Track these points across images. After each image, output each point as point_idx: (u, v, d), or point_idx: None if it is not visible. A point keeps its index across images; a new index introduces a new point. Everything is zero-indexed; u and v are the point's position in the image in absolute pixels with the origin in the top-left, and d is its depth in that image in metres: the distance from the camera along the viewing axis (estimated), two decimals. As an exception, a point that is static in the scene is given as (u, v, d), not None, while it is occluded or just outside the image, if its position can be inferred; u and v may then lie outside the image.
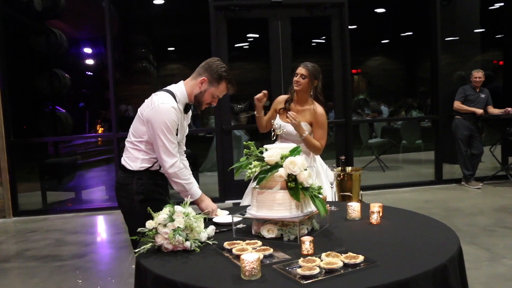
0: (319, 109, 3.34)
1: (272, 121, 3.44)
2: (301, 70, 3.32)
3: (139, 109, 2.47)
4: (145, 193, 2.44)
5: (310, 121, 3.34)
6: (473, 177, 6.58)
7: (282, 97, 3.55)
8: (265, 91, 3.30)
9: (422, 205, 5.66)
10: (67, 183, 7.49)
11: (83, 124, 10.06)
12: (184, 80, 2.52)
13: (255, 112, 3.46)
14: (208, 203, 2.49)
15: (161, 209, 1.95)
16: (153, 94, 2.47)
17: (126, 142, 2.52)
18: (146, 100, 2.48)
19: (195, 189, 2.47)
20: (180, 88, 2.46)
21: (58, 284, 3.76)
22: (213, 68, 2.42)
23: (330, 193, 2.87)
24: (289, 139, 3.31)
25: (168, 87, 2.49)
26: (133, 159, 2.46)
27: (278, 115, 3.47)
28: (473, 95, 6.48)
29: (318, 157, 3.45)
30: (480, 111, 6.39)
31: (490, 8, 9.58)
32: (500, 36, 10.41)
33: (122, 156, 2.55)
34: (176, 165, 2.39)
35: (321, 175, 3.33)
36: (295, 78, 3.35)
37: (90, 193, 7.62)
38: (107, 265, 4.33)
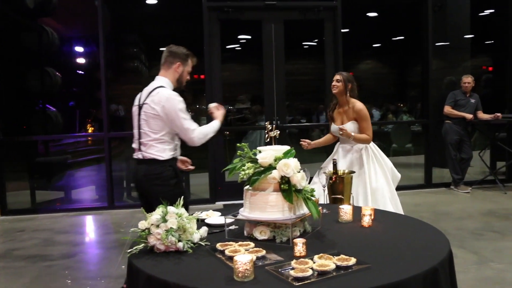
0: (358, 104, 3.81)
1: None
2: (336, 76, 3.90)
3: (146, 110, 2.82)
4: (177, 176, 2.90)
5: (354, 118, 3.80)
6: (462, 181, 6.64)
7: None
8: (303, 142, 3.82)
9: (412, 209, 5.69)
10: (57, 182, 7.43)
11: (73, 123, 9.97)
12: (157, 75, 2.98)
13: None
14: (220, 116, 3.06)
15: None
16: (153, 92, 2.84)
17: (147, 142, 2.83)
18: (147, 101, 2.83)
19: (216, 125, 3.00)
20: (165, 81, 2.92)
21: (46, 284, 3.73)
22: (179, 52, 2.94)
23: (322, 195, 2.88)
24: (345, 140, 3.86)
25: (157, 84, 2.89)
26: (162, 150, 2.83)
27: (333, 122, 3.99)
28: (463, 100, 6.55)
29: (371, 144, 3.85)
30: (469, 116, 6.46)
31: (480, 14, 9.68)
32: (490, 42, 10.52)
33: (141, 152, 2.86)
34: (196, 132, 2.83)
35: (377, 158, 3.80)
36: (332, 84, 3.88)
37: (80, 192, 7.57)
38: (97, 265, 4.30)
